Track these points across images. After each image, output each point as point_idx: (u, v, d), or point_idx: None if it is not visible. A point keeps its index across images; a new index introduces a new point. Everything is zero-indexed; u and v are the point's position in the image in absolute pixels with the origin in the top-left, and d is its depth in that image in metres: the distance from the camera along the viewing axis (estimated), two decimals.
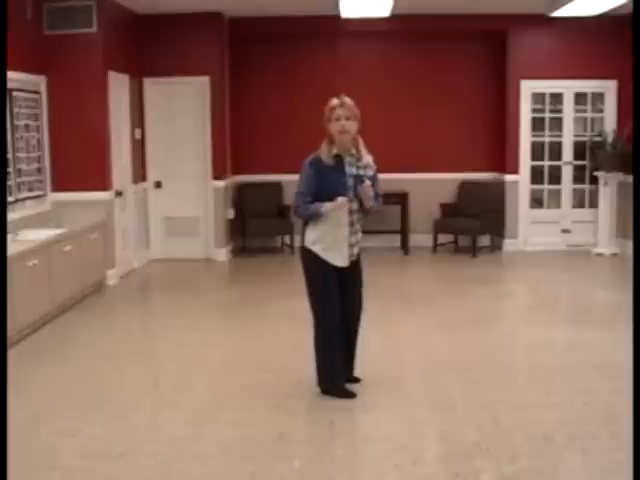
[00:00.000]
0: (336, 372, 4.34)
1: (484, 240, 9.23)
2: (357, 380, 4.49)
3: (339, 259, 4.21)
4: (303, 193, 4.14)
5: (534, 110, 9.23)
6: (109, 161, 7.58)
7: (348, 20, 8.57)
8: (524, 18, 8.78)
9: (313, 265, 4.22)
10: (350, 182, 4.17)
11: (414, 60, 9.44)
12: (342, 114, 4.09)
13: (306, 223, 4.23)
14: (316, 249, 4.18)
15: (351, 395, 4.33)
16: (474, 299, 6.86)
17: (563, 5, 7.90)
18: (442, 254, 9.17)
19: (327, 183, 4.11)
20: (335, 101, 4.14)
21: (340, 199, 4.09)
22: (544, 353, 5.24)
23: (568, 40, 8.97)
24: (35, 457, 3.62)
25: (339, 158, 4.16)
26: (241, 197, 9.49)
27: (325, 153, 4.15)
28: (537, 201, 9.46)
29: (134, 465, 3.52)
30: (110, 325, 6.22)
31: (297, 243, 8.78)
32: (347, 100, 4.14)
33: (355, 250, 4.28)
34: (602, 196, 8.92)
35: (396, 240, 9.36)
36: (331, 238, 4.17)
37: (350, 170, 4.18)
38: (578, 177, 9.31)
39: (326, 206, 4.09)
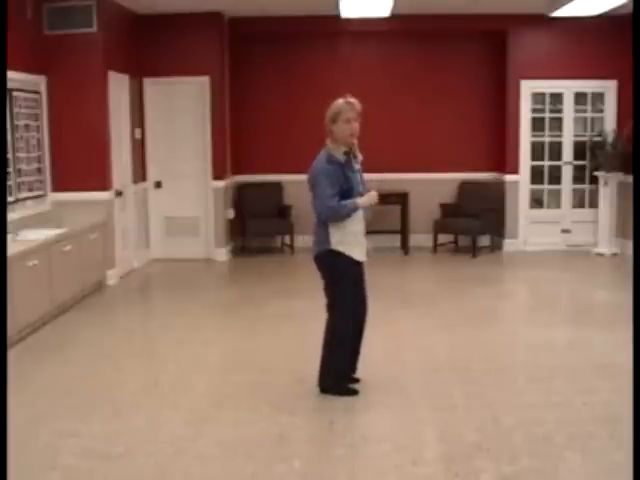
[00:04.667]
0: (345, 370, 4.41)
1: (484, 240, 9.23)
2: (357, 380, 4.49)
3: (362, 254, 4.29)
4: (332, 194, 4.10)
5: (534, 110, 9.23)
6: (109, 161, 7.58)
7: (348, 20, 8.57)
8: (524, 18, 8.78)
9: (342, 264, 4.24)
10: (358, 178, 4.28)
11: (414, 60, 9.44)
12: (352, 117, 4.14)
13: (325, 225, 4.19)
14: (343, 248, 4.20)
15: (353, 392, 4.35)
16: (474, 299, 6.86)
17: (563, 5, 7.90)
18: (442, 254, 9.17)
19: (345, 180, 4.17)
20: (344, 103, 4.16)
21: (372, 192, 4.24)
22: (544, 353, 5.24)
23: (568, 40, 8.97)
24: (35, 457, 3.62)
25: (347, 155, 4.22)
26: (241, 197, 9.49)
27: (336, 151, 4.18)
28: (537, 201, 9.45)
29: (134, 465, 3.52)
30: (110, 325, 6.21)
31: (297, 243, 8.95)
32: (355, 101, 4.19)
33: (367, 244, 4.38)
34: (602, 196, 8.91)
35: (396, 240, 9.36)
36: (354, 235, 4.23)
37: (355, 166, 4.27)
38: (578, 177, 9.31)
39: (361, 200, 4.20)
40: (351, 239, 4.23)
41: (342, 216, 4.15)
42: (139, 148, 8.62)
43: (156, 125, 8.82)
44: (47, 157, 7.26)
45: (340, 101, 4.20)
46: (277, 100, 9.49)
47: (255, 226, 9.16)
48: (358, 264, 4.30)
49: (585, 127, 9.28)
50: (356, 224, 4.23)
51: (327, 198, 4.10)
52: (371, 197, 4.24)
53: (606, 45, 8.81)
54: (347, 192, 4.18)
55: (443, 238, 9.30)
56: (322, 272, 4.33)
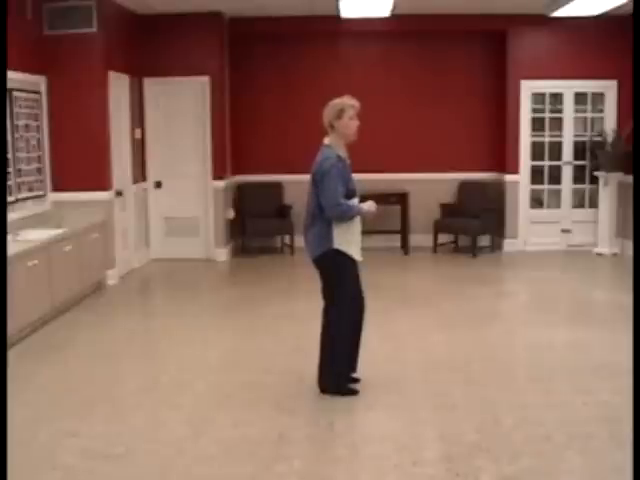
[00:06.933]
0: (345, 371, 4.41)
1: (484, 240, 9.23)
2: (357, 380, 4.49)
3: (359, 253, 4.31)
4: (342, 192, 4.13)
5: (534, 110, 9.23)
6: (109, 161, 7.58)
7: (348, 20, 8.57)
8: (524, 18, 8.78)
9: (344, 264, 4.26)
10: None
11: (414, 60, 9.44)
12: (354, 114, 4.22)
13: (329, 223, 4.19)
14: (345, 248, 4.22)
15: (353, 392, 4.35)
16: (474, 299, 6.86)
17: (563, 5, 7.90)
18: (442, 254, 9.17)
19: (348, 179, 4.23)
20: (347, 100, 4.23)
21: (371, 202, 4.28)
22: (544, 353, 5.24)
23: (568, 40, 8.97)
24: (35, 457, 3.62)
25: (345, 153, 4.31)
26: (241, 197, 9.49)
27: (339, 149, 4.23)
28: (537, 201, 9.46)
29: (134, 465, 3.53)
30: (110, 325, 6.21)
31: (297, 243, 8.93)
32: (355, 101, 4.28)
33: None
34: (602, 196, 8.92)
35: (396, 240, 9.36)
36: (352, 235, 4.26)
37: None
38: (578, 177, 9.31)
39: (365, 206, 4.25)
40: (351, 238, 4.25)
41: (347, 217, 4.17)
42: (139, 148, 8.62)
43: (156, 125, 8.82)
44: (47, 157, 7.26)
45: (343, 98, 4.24)
46: (277, 100, 9.48)
47: (255, 226, 9.16)
48: (355, 263, 4.32)
49: (585, 127, 9.28)
50: (356, 224, 4.27)
51: (337, 196, 4.11)
52: (371, 206, 4.28)
53: (606, 45, 8.81)
54: (351, 192, 4.23)
55: (443, 238, 9.30)
56: (323, 273, 4.31)
